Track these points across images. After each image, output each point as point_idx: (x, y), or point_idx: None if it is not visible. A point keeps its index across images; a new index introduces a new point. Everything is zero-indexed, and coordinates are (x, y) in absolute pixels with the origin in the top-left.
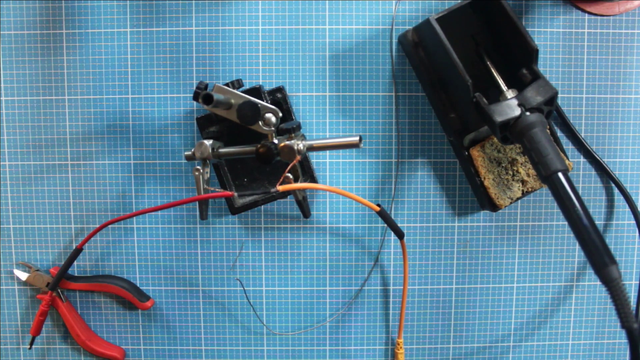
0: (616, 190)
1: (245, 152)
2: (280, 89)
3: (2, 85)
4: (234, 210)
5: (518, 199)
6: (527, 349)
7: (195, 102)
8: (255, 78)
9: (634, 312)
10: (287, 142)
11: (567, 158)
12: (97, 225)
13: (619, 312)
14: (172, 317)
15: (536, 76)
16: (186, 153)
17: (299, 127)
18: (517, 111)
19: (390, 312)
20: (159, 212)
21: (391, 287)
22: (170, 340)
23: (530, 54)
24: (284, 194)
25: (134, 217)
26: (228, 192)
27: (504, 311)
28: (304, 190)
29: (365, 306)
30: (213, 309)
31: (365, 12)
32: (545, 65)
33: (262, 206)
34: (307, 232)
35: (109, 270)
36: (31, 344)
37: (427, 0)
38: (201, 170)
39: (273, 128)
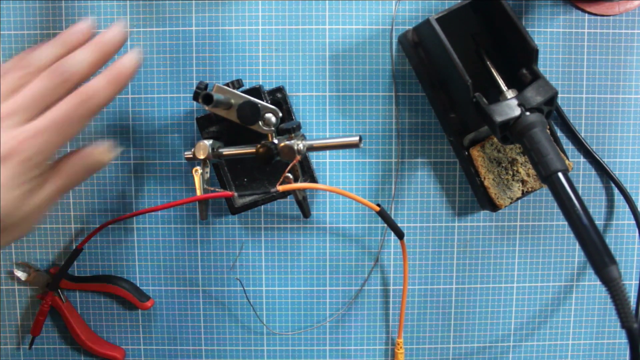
0: (616, 190)
1: (245, 152)
2: (280, 89)
3: None
4: (234, 210)
5: (518, 199)
6: (527, 349)
7: (195, 102)
8: (255, 78)
9: (634, 312)
10: (287, 142)
11: (567, 158)
12: (97, 225)
13: (619, 312)
14: (172, 317)
15: (536, 76)
16: (186, 154)
17: (299, 127)
18: (517, 111)
19: (390, 312)
20: (159, 212)
21: (391, 287)
22: (170, 340)
23: (530, 54)
24: (284, 194)
25: (134, 217)
26: (228, 192)
27: (504, 311)
28: (304, 190)
29: (365, 306)
30: (213, 309)
31: (365, 12)
32: (545, 65)
33: (262, 206)
34: (307, 232)
35: (109, 270)
36: (31, 344)
37: (427, 0)
38: (201, 170)
39: (273, 128)
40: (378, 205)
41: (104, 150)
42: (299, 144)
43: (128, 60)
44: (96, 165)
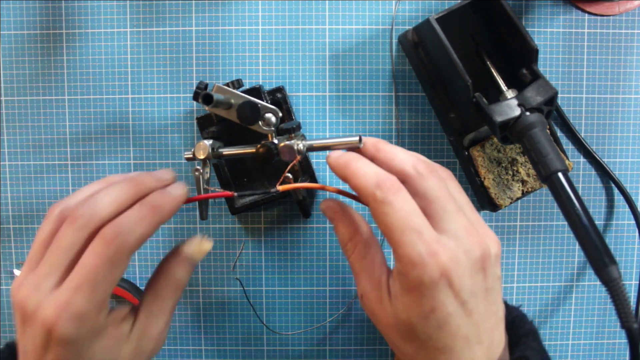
0: (616, 190)
1: (245, 152)
2: (280, 89)
3: (2, 85)
4: (234, 210)
5: (518, 199)
6: None
7: (195, 102)
8: (255, 78)
9: (634, 312)
10: (287, 142)
11: (567, 158)
12: None
13: (619, 312)
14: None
15: (536, 76)
16: (186, 154)
17: (299, 127)
18: (517, 111)
19: None
20: None
21: None
22: (170, 340)
23: (530, 54)
24: (284, 194)
25: None
26: (228, 192)
27: None
28: (304, 190)
29: None
30: (213, 309)
31: (365, 12)
32: (545, 65)
33: (262, 206)
34: (307, 232)
35: None
36: None
37: (427, 0)
38: (201, 170)
39: (273, 128)
40: None
41: (181, 261)
42: (299, 144)
43: (169, 196)
44: (180, 282)
